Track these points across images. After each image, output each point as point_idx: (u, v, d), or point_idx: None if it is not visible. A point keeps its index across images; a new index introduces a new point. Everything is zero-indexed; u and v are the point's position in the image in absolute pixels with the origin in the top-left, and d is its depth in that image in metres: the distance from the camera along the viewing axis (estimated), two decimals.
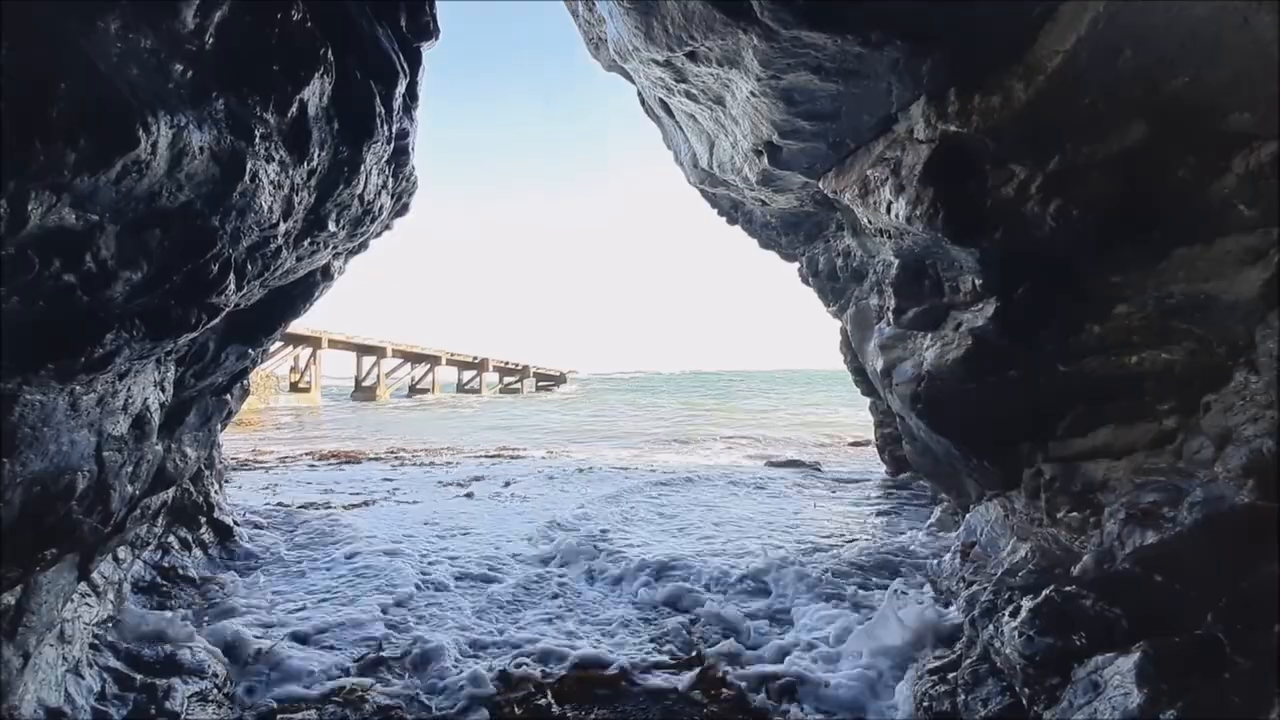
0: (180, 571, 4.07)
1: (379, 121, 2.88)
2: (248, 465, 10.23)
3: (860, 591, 4.19)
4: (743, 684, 3.11)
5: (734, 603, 4.16)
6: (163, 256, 2.01)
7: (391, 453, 12.53)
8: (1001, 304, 3.16)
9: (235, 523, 5.02)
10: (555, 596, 4.37)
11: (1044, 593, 2.54)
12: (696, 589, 4.33)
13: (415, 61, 3.32)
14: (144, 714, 2.76)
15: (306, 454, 12.10)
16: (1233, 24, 2.05)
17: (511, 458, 11.71)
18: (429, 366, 37.26)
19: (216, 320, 2.61)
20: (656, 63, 3.74)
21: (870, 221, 3.89)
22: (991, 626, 2.70)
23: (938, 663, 3.06)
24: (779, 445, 14.01)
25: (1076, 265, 2.82)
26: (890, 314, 4.09)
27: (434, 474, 9.52)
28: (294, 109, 2.30)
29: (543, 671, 3.26)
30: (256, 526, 5.60)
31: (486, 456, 11.86)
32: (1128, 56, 2.24)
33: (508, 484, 8.64)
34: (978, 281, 3.31)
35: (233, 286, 2.42)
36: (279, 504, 6.97)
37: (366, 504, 7.25)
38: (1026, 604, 2.56)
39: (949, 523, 5.43)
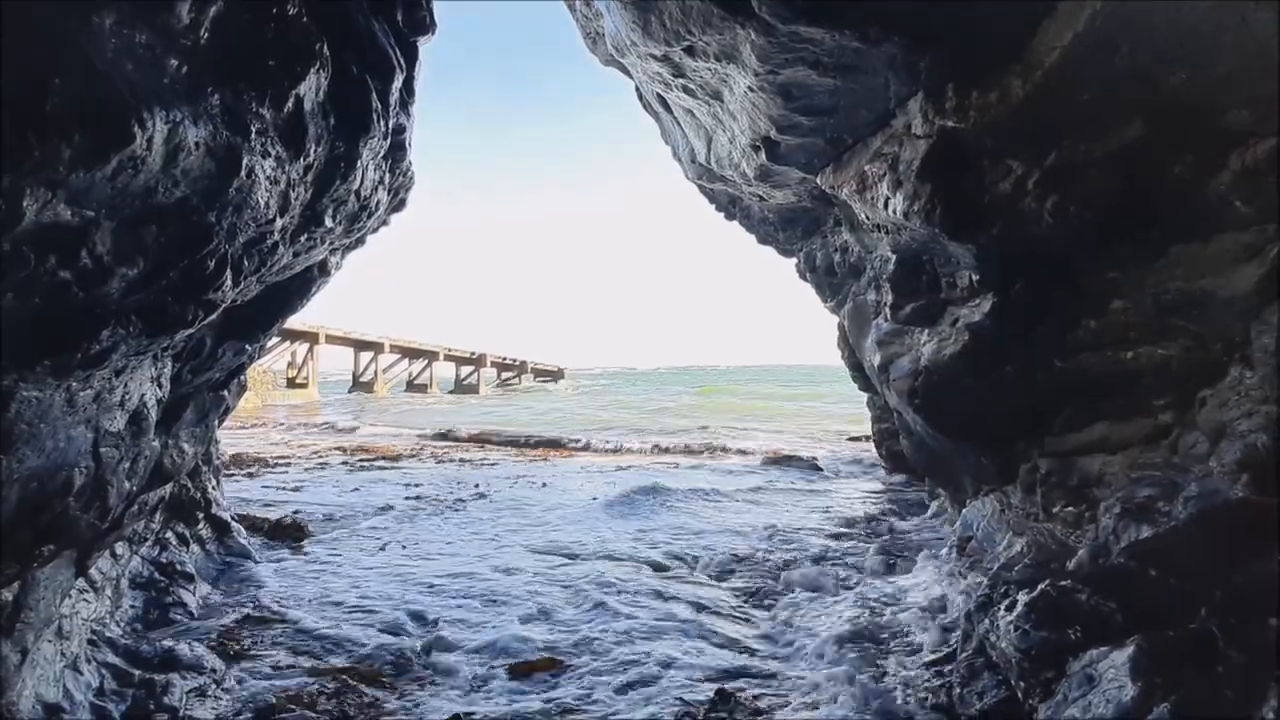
0: (178, 567, 4.06)
1: (375, 117, 2.87)
2: (278, 465, 10.02)
3: None
4: None
5: None
6: (159, 252, 2.00)
7: (420, 449, 12.58)
8: (998, 300, 3.16)
9: (232, 519, 5.01)
10: None
11: (1039, 587, 2.55)
12: None
13: (412, 57, 3.31)
14: (143, 709, 2.76)
15: (335, 449, 12.14)
16: (1231, 22, 2.05)
17: (548, 459, 11.67)
18: (426, 362, 37.20)
19: (213, 316, 2.61)
20: (654, 58, 3.73)
21: (868, 217, 3.89)
22: (987, 620, 2.71)
23: (933, 656, 3.08)
24: (776, 441, 14.04)
25: (1074, 262, 2.83)
26: (888, 310, 4.10)
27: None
28: (290, 104, 2.29)
29: None
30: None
31: (522, 457, 11.78)
32: (1125, 54, 2.24)
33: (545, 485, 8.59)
34: (975, 277, 3.31)
35: (229, 282, 2.42)
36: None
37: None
38: (1022, 598, 2.57)
39: (945, 517, 5.45)
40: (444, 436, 14.88)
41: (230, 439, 12.80)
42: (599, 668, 3.31)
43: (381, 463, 10.44)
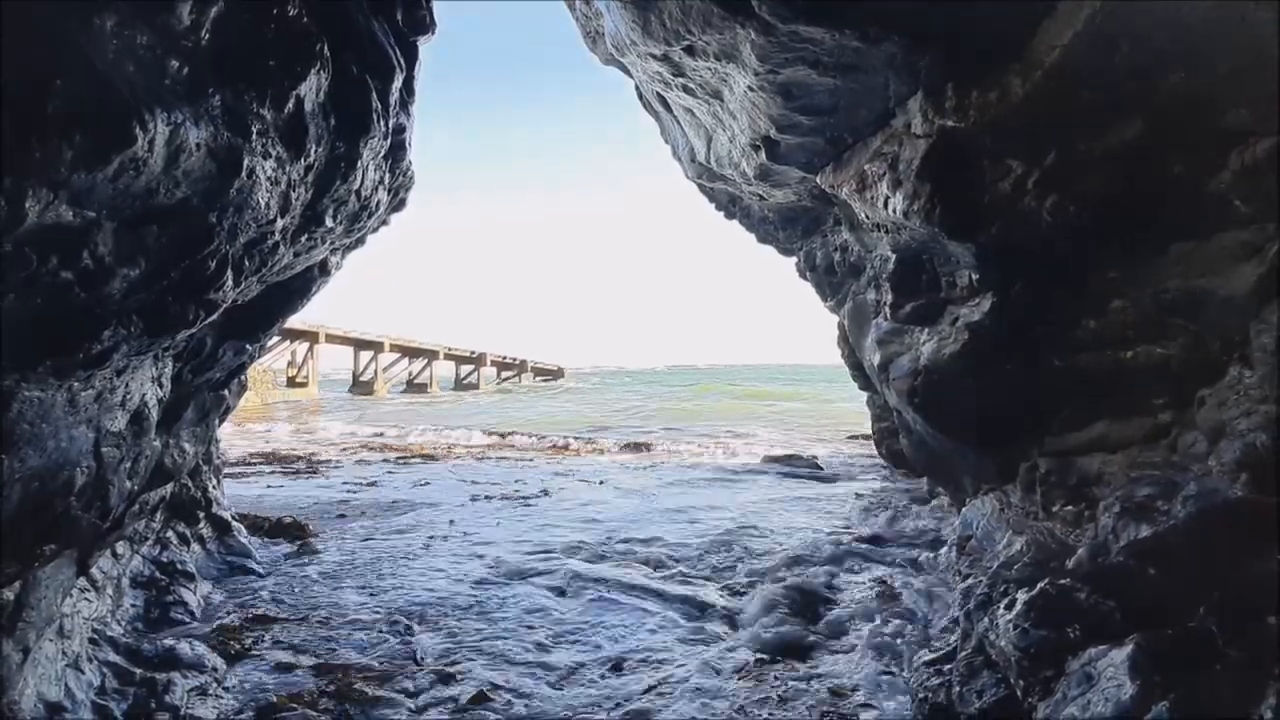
0: (179, 566, 4.07)
1: (376, 117, 2.87)
2: (322, 463, 10.20)
3: None
4: None
5: None
6: (160, 253, 2.01)
7: (451, 446, 12.88)
8: (998, 299, 3.16)
9: (233, 518, 5.02)
10: None
11: (1039, 585, 2.55)
12: None
13: (411, 56, 3.31)
14: (144, 708, 2.77)
15: (363, 447, 12.44)
16: (1231, 22, 2.05)
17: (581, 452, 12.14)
18: (426, 361, 37.19)
19: (214, 316, 2.61)
20: (654, 57, 3.73)
21: (868, 216, 3.89)
22: (986, 619, 2.72)
23: (933, 655, 3.08)
24: (777, 440, 14.05)
25: (1073, 261, 2.83)
26: (887, 309, 4.09)
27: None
28: (291, 105, 2.29)
29: None
30: None
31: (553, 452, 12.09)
32: (1125, 53, 2.24)
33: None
34: (974, 276, 3.31)
35: (230, 283, 2.42)
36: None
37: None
38: (1021, 597, 2.57)
39: (944, 516, 5.45)
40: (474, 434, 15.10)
41: (247, 437, 12.99)
42: None
43: (418, 460, 10.73)
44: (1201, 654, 1.98)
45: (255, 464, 9.79)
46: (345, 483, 8.35)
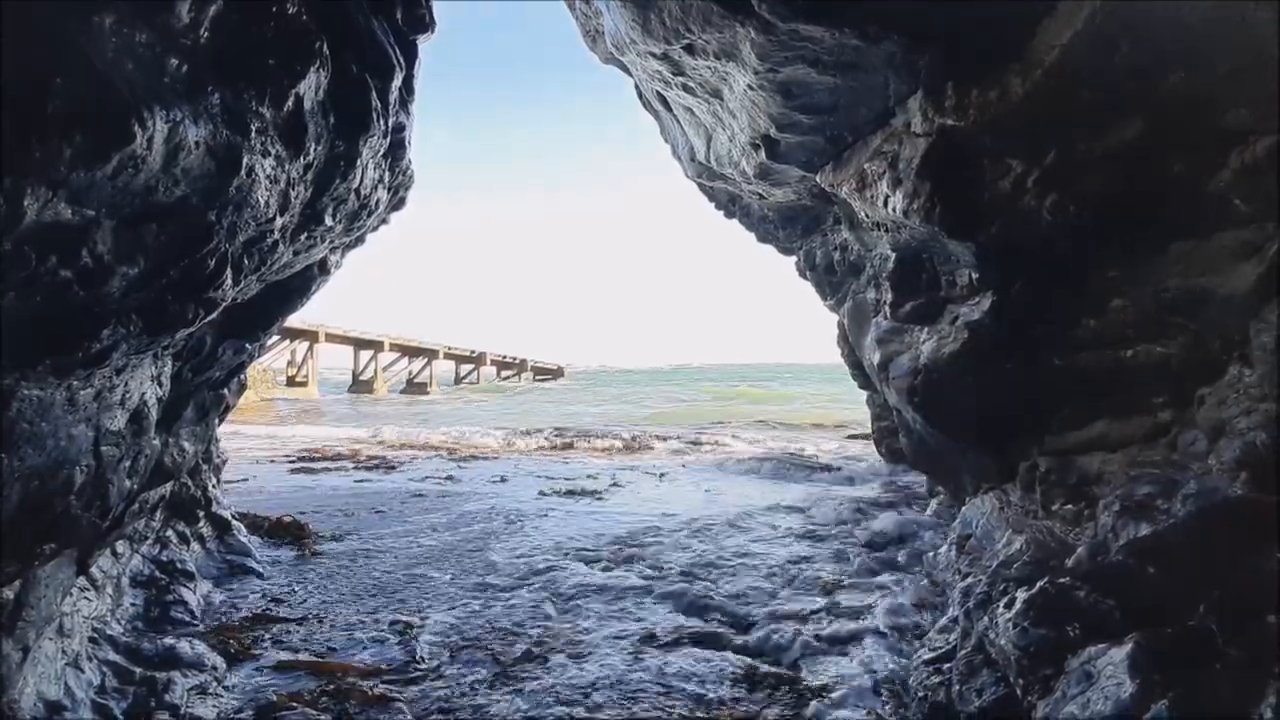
0: (179, 566, 4.07)
1: (375, 115, 2.87)
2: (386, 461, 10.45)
3: None
4: None
5: None
6: (159, 252, 2.01)
7: (507, 445, 13.20)
8: (998, 298, 3.16)
9: (233, 517, 5.01)
10: None
11: (1038, 584, 2.56)
12: None
13: (411, 55, 3.31)
14: (144, 707, 2.77)
15: (403, 446, 12.77)
16: (1231, 22, 2.05)
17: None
18: (426, 360, 37.18)
19: (214, 315, 2.61)
20: (654, 55, 3.73)
21: (868, 215, 3.89)
22: (986, 618, 2.72)
23: (932, 654, 3.08)
24: (780, 439, 14.06)
25: (1073, 260, 2.83)
26: (887, 308, 4.09)
27: None
28: (290, 103, 2.29)
29: None
30: None
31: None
32: (1125, 53, 2.24)
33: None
34: (974, 275, 3.31)
35: (229, 281, 2.42)
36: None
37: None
38: (1021, 595, 2.58)
39: (945, 515, 5.46)
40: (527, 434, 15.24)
41: (281, 438, 13.26)
42: None
43: (470, 457, 11.25)
44: (1201, 653, 1.98)
45: (318, 459, 10.42)
46: (426, 477, 8.90)
